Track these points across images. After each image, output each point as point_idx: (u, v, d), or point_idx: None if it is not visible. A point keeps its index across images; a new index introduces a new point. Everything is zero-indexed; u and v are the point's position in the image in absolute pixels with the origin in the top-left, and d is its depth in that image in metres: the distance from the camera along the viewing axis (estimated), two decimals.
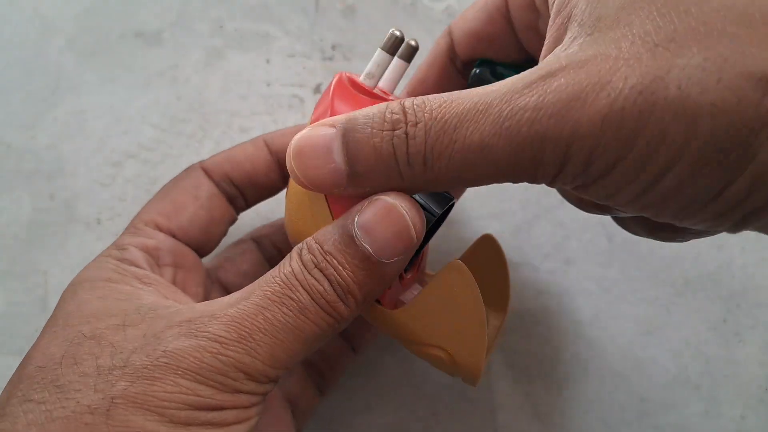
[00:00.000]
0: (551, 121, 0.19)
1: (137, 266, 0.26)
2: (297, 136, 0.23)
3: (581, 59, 0.19)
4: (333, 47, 0.41)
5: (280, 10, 0.42)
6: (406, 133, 0.21)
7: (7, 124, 0.37)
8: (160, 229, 0.28)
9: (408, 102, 0.21)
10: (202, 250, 0.30)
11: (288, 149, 0.23)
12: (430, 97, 0.21)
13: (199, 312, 0.22)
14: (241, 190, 0.30)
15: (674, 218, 0.20)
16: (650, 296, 0.36)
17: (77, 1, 0.40)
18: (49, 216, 0.35)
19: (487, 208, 0.38)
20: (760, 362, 0.35)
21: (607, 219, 0.29)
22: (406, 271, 0.27)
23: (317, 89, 0.40)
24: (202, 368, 0.21)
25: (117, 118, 0.38)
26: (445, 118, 0.20)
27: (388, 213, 0.22)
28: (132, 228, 0.28)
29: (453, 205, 0.26)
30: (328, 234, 0.23)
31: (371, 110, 0.22)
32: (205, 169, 0.30)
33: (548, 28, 0.22)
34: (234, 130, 0.38)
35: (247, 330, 0.21)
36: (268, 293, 0.22)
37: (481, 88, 0.21)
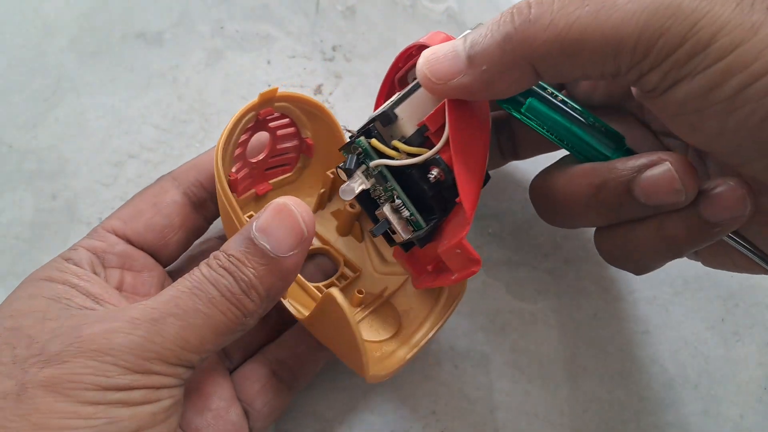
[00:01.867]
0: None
1: (78, 266, 0.27)
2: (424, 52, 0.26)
3: None
4: (333, 48, 0.41)
5: (280, 12, 0.42)
6: (529, 4, 0.23)
7: (9, 125, 0.37)
8: (116, 233, 0.29)
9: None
10: (159, 255, 0.31)
11: (417, 63, 0.26)
12: None
13: (119, 308, 0.24)
14: (212, 195, 0.32)
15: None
16: (649, 296, 0.37)
17: (79, 2, 0.40)
18: (50, 216, 0.36)
19: (487, 208, 0.38)
20: (759, 362, 0.35)
21: None
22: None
23: (318, 90, 0.40)
24: (112, 348, 0.22)
25: (118, 119, 0.38)
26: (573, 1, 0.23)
27: (280, 212, 0.25)
28: (92, 231, 0.29)
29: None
30: (231, 242, 0.25)
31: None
32: (174, 177, 0.31)
33: None
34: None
35: (159, 312, 0.23)
36: (180, 288, 0.24)
37: None
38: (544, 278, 0.37)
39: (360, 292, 0.32)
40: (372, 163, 0.28)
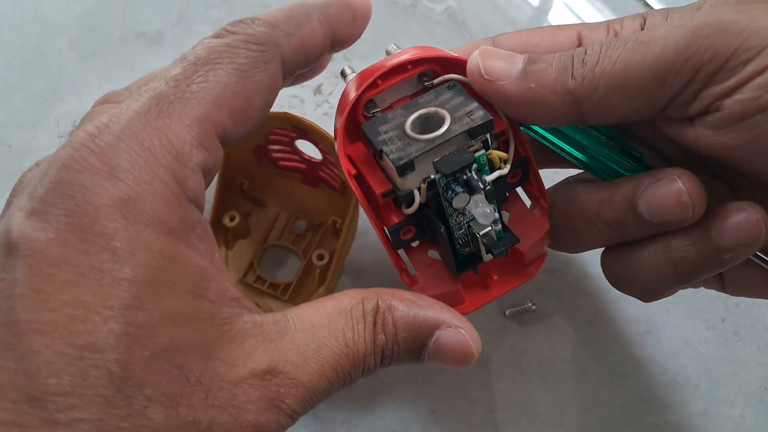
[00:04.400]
0: (725, 16, 0.22)
1: (198, 203, 0.21)
2: (483, 47, 0.26)
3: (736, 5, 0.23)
4: None
5: None
6: (585, 49, 0.24)
7: (9, 125, 0.37)
8: (221, 139, 0.22)
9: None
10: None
11: (473, 54, 0.25)
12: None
13: None
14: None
15: None
16: None
17: (79, 2, 0.40)
18: None
19: None
20: (759, 362, 0.35)
21: None
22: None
23: (317, 90, 0.40)
24: None
25: None
26: (619, 35, 0.25)
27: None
28: (197, 121, 0.21)
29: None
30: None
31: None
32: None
33: None
34: None
35: None
36: None
37: None
38: (544, 278, 0.37)
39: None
40: (489, 178, 0.25)
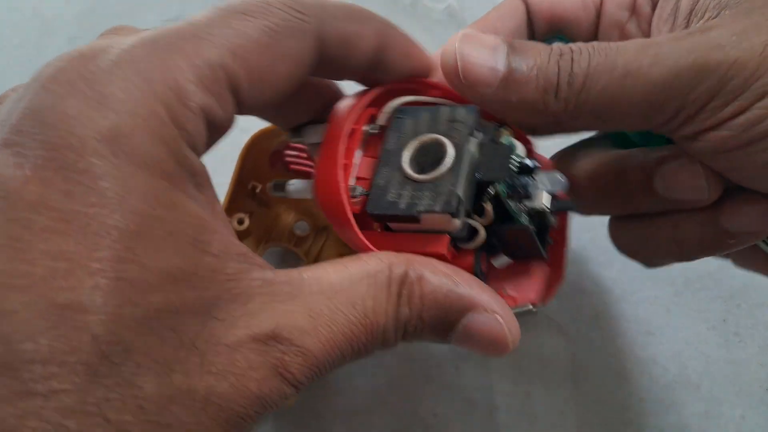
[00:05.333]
0: (711, 48, 0.21)
1: (197, 151, 0.19)
2: (465, 33, 0.24)
3: (734, 21, 0.22)
4: None
5: None
6: (572, 58, 0.23)
7: None
8: (232, 93, 0.20)
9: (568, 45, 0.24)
10: None
11: (451, 42, 0.23)
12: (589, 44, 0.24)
13: None
14: None
15: None
16: (650, 296, 0.36)
17: (78, 1, 0.40)
18: None
19: None
20: (760, 362, 0.35)
21: (607, 220, 0.29)
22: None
23: None
24: None
25: None
26: (607, 51, 0.22)
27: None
28: (208, 62, 0.19)
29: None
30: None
31: (537, 43, 0.24)
32: None
33: (657, 23, 0.25)
34: (234, 130, 0.38)
35: None
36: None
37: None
38: None
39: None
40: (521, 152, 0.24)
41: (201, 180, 0.19)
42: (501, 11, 0.29)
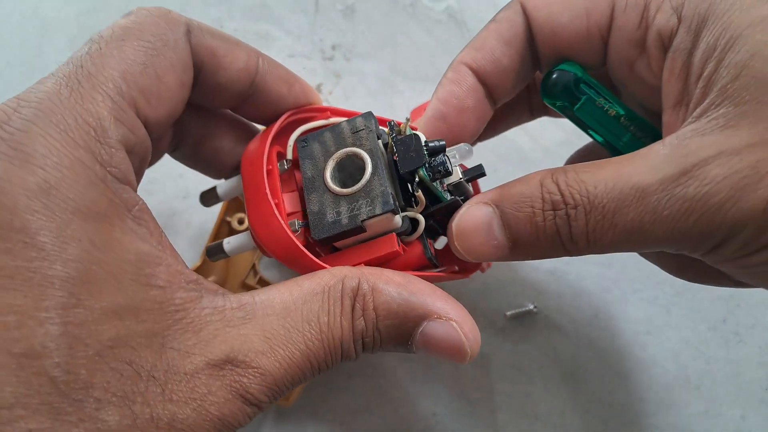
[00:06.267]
0: (711, 211, 0.20)
1: (129, 184, 0.20)
2: (457, 218, 0.24)
3: (735, 147, 0.20)
4: (333, 47, 0.41)
5: (279, 11, 0.42)
6: (567, 215, 0.22)
7: None
8: (138, 115, 0.22)
9: (561, 180, 0.22)
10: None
11: (449, 230, 0.24)
12: (581, 174, 0.22)
13: None
14: None
15: None
16: (650, 296, 0.36)
17: (77, 2, 0.40)
18: None
19: None
20: (760, 362, 0.35)
21: None
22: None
23: (317, 89, 0.40)
24: None
25: None
26: (603, 203, 0.21)
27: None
28: (108, 96, 0.20)
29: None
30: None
31: (525, 188, 0.23)
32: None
33: (669, 77, 0.23)
34: None
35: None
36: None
37: (626, 160, 0.22)
38: (544, 278, 0.37)
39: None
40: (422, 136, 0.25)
41: (139, 213, 0.20)
42: (500, 31, 0.27)
